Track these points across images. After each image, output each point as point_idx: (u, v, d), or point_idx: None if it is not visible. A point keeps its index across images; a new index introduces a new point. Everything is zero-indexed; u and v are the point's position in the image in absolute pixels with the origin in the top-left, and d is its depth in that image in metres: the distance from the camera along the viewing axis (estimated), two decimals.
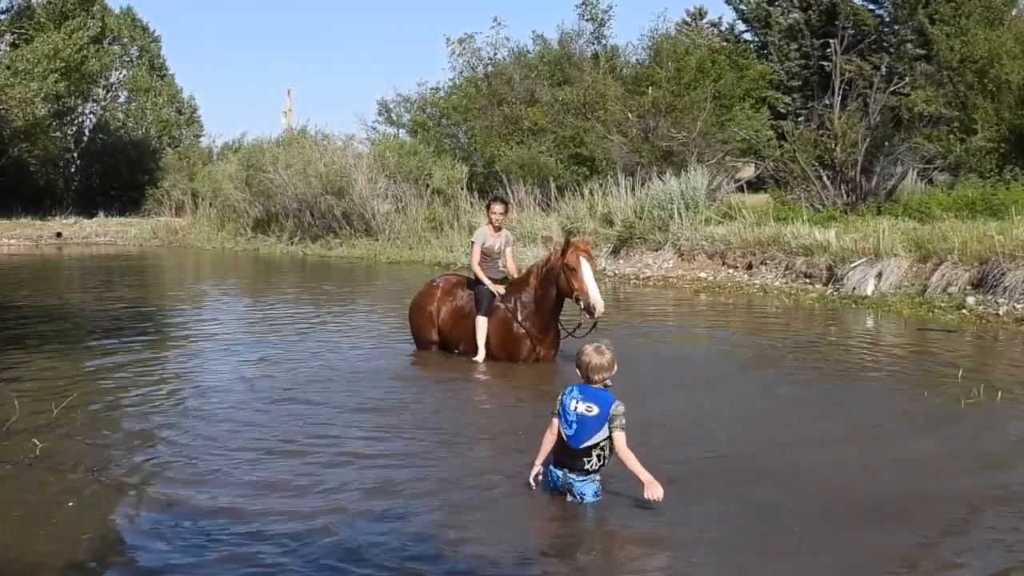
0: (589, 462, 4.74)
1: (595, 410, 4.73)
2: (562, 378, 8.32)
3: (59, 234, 35.49)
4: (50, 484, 5.16)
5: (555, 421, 4.85)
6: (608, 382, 4.88)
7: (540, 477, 4.92)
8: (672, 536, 4.38)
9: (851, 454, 5.61)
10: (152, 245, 32.78)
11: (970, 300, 11.73)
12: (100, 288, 17.28)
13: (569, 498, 4.77)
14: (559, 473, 4.81)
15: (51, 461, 5.55)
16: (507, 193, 23.02)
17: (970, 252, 12.36)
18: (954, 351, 9.27)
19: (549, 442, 4.88)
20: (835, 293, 13.60)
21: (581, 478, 4.75)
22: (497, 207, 9.25)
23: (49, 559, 4.20)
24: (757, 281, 15.25)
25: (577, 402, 4.79)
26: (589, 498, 4.74)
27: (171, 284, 19.81)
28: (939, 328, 10.75)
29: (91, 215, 38.38)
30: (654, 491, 4.58)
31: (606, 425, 4.71)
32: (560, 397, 4.88)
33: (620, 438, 4.71)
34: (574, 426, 4.76)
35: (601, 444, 4.72)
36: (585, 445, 4.72)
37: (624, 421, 4.72)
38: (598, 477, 4.79)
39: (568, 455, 4.77)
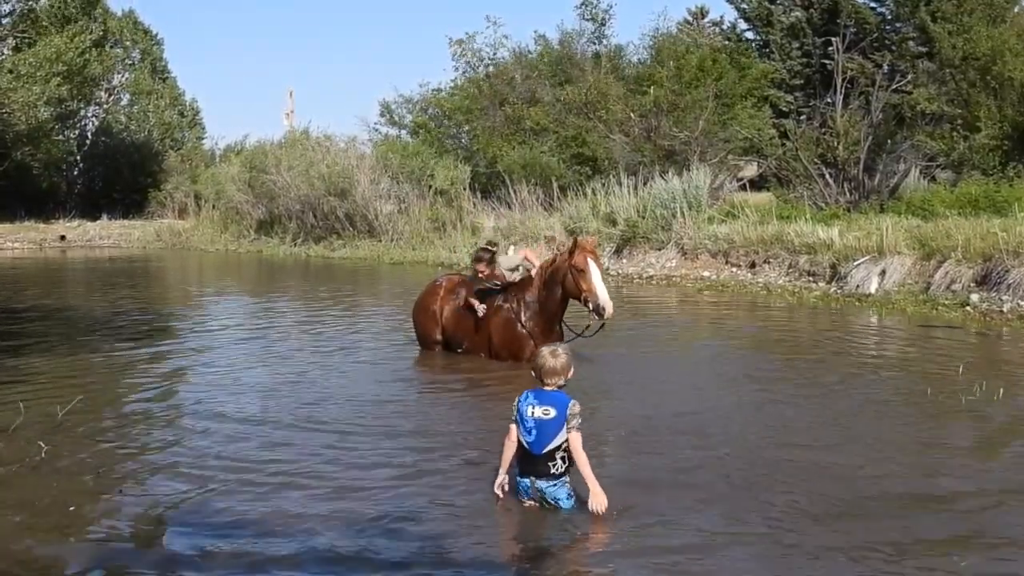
0: (554, 466, 4.68)
1: (552, 413, 4.67)
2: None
3: (63, 237, 35.53)
4: (55, 486, 5.17)
5: (513, 428, 4.77)
6: (561, 382, 4.83)
7: (506, 485, 4.85)
8: (664, 537, 4.39)
9: (852, 451, 5.61)
10: (155, 247, 32.83)
11: (974, 297, 11.72)
12: (104, 291, 17.31)
13: (545, 505, 4.71)
14: (527, 482, 4.72)
15: (56, 463, 5.57)
16: (509, 193, 23.04)
17: (973, 249, 12.35)
18: (957, 348, 9.26)
19: (509, 449, 4.78)
20: (838, 291, 13.59)
21: (551, 483, 4.68)
22: (479, 265, 8.96)
23: (52, 561, 4.22)
24: (760, 280, 15.24)
25: (533, 407, 4.71)
26: (564, 502, 4.68)
27: (175, 286, 19.83)
28: (942, 325, 10.74)
29: (94, 218, 38.42)
30: (599, 502, 4.55)
31: (565, 427, 4.66)
32: (516, 404, 4.79)
33: (576, 439, 4.66)
34: (533, 432, 4.68)
35: (563, 446, 4.67)
36: (547, 450, 4.66)
37: (580, 421, 4.69)
38: (567, 479, 4.73)
39: (531, 462, 4.70)
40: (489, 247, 9.36)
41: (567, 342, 8.85)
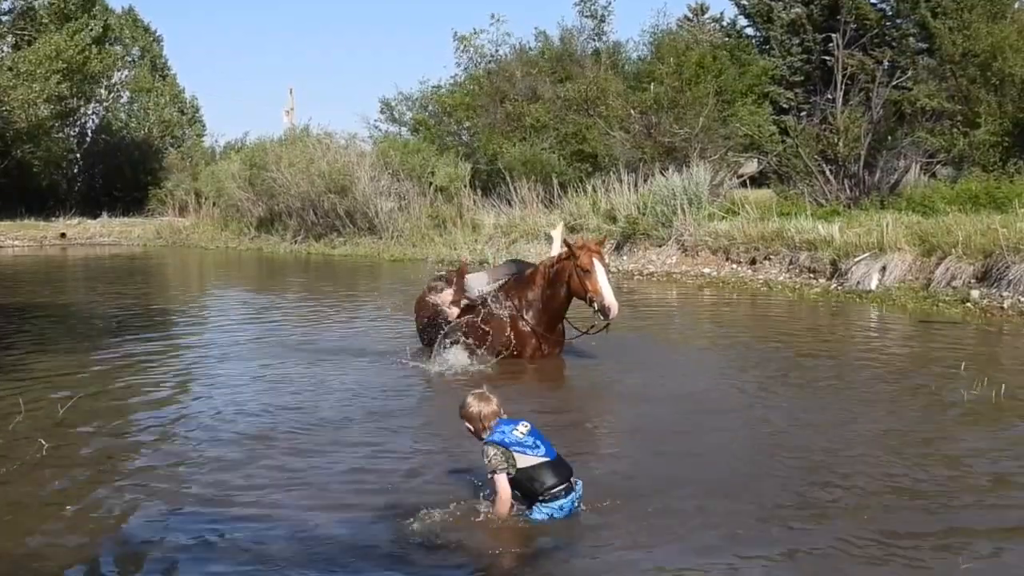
0: (566, 460, 4.63)
1: (527, 424, 4.60)
2: (567, 377, 8.36)
3: (63, 235, 35.49)
4: (55, 484, 5.18)
5: (503, 481, 4.43)
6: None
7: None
8: (667, 537, 4.39)
9: (855, 448, 5.62)
10: (156, 245, 32.80)
11: (974, 294, 11.71)
12: (105, 288, 17.31)
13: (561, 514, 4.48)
14: (571, 497, 4.49)
15: (56, 461, 5.57)
16: (510, 190, 23.02)
17: (974, 246, 12.34)
18: (958, 344, 9.25)
19: (505, 501, 4.46)
20: (839, 288, 13.58)
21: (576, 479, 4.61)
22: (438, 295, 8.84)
23: (52, 560, 4.21)
24: (761, 276, 15.23)
25: (516, 429, 4.53)
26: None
27: (176, 284, 19.84)
28: (943, 321, 10.73)
29: (95, 216, 38.38)
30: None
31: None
32: (499, 447, 4.45)
33: None
34: (539, 443, 4.52)
35: None
36: (557, 450, 4.59)
37: None
38: None
39: (560, 468, 4.52)
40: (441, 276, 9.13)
41: (574, 339, 8.93)
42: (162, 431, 6.31)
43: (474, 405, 4.66)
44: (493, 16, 42.20)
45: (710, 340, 10.29)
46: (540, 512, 4.46)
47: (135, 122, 45.45)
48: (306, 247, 27.31)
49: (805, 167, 19.83)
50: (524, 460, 4.47)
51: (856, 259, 13.72)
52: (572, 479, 4.54)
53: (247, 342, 10.24)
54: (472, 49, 30.61)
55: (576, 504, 4.53)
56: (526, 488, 4.48)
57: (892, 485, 4.93)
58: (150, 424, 6.52)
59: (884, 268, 13.26)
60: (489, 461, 4.47)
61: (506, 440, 4.50)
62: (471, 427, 4.68)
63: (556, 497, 4.45)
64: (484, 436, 4.59)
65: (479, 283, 8.83)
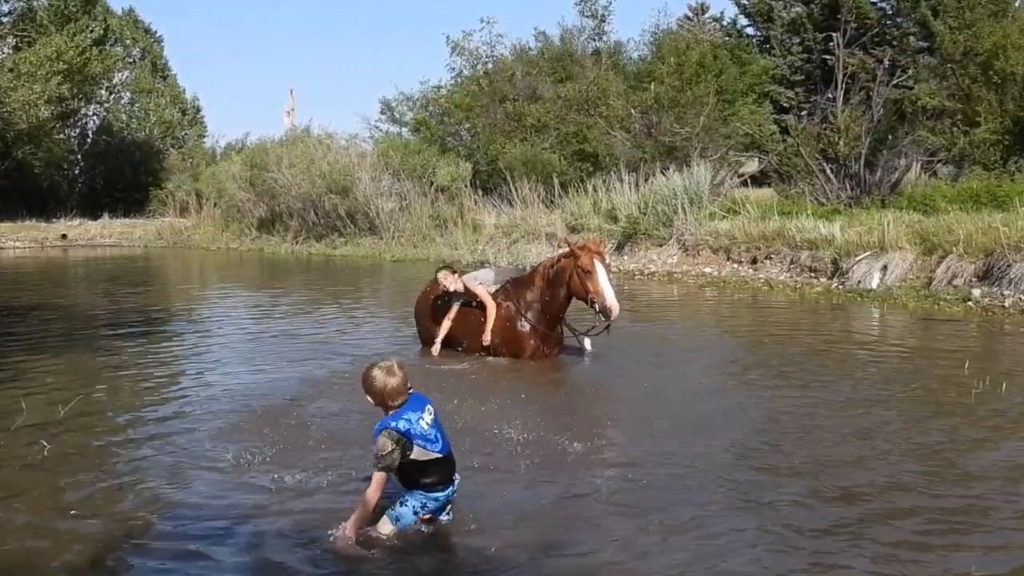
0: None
1: (432, 410, 4.41)
2: (567, 376, 8.36)
3: (64, 236, 35.49)
4: (57, 485, 5.17)
5: (382, 476, 4.18)
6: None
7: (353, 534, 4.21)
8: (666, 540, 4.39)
9: (858, 446, 5.61)
10: (157, 246, 32.81)
11: (976, 292, 11.71)
12: (106, 290, 17.31)
13: (443, 517, 4.40)
14: (450, 491, 4.37)
15: (58, 462, 5.57)
16: (511, 190, 23.02)
17: (975, 244, 12.34)
18: (960, 343, 9.25)
19: (376, 497, 4.20)
20: (840, 287, 13.57)
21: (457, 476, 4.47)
22: (443, 275, 8.85)
23: (53, 561, 4.21)
24: (762, 275, 15.23)
25: (422, 418, 4.29)
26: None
27: (177, 285, 19.83)
28: (944, 320, 10.73)
29: (96, 217, 38.36)
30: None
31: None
32: (397, 435, 4.18)
33: None
34: (439, 436, 4.33)
35: None
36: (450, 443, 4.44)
37: None
38: None
39: (449, 465, 4.37)
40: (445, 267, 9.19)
41: (577, 335, 8.92)
42: (163, 432, 6.31)
43: (379, 378, 4.28)
44: (483, 20, 42.18)
45: (711, 339, 10.27)
46: (415, 499, 4.29)
47: (136, 123, 45.45)
48: (307, 248, 27.32)
49: (806, 166, 19.83)
50: (421, 454, 4.25)
51: (857, 258, 13.72)
52: (454, 475, 4.42)
53: (248, 343, 10.24)
54: (466, 52, 30.59)
55: (452, 495, 4.40)
56: (411, 477, 4.29)
57: (896, 487, 4.92)
58: (151, 426, 6.52)
59: (885, 267, 13.26)
60: (380, 453, 4.15)
61: (412, 431, 4.22)
62: (372, 401, 4.36)
63: (435, 490, 4.32)
64: (387, 412, 4.30)
65: (487, 279, 8.85)
